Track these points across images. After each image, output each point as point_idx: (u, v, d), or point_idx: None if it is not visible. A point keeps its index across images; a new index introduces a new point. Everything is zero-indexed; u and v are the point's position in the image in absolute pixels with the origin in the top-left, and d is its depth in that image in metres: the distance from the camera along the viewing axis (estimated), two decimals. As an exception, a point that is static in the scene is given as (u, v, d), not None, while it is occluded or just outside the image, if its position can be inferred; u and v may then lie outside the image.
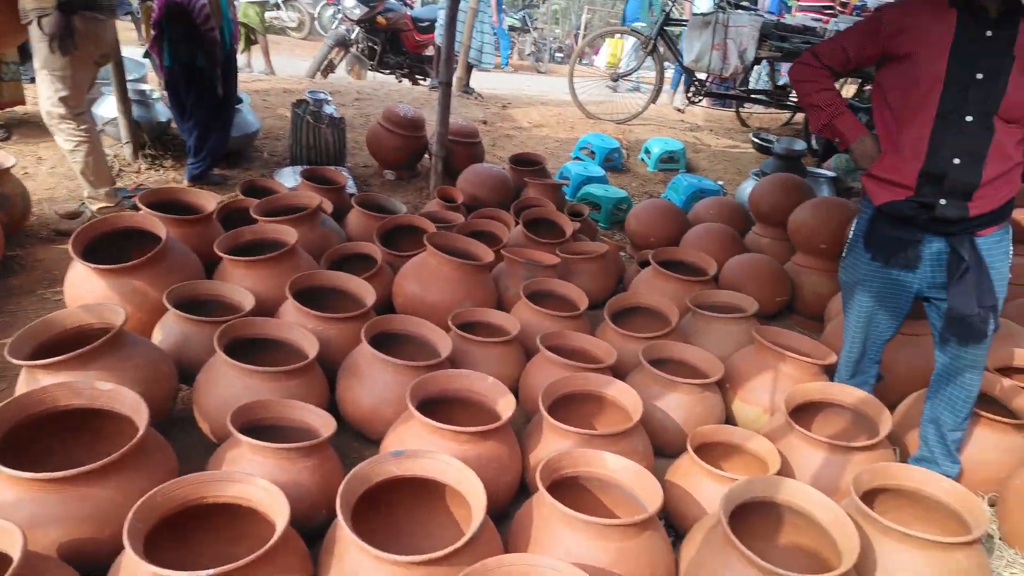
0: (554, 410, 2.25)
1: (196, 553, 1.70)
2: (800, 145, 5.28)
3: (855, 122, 2.26)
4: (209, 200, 3.13)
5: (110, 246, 2.68)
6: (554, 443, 2.10)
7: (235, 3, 4.02)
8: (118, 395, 1.86)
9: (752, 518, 1.99)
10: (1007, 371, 2.72)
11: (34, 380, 1.99)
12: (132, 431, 1.77)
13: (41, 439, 1.90)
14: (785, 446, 2.28)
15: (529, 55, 14.00)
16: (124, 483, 1.67)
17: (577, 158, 5.80)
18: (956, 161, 2.04)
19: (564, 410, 2.35)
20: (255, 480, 1.63)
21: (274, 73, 7.66)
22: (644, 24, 8.70)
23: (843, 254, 2.44)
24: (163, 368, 2.20)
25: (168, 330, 2.44)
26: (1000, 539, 2.30)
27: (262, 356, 2.37)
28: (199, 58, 3.75)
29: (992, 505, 2.40)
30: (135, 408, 1.82)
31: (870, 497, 2.07)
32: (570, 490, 1.95)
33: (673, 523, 2.20)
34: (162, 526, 1.55)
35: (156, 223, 2.69)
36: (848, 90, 7.96)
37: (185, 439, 2.29)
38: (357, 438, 2.43)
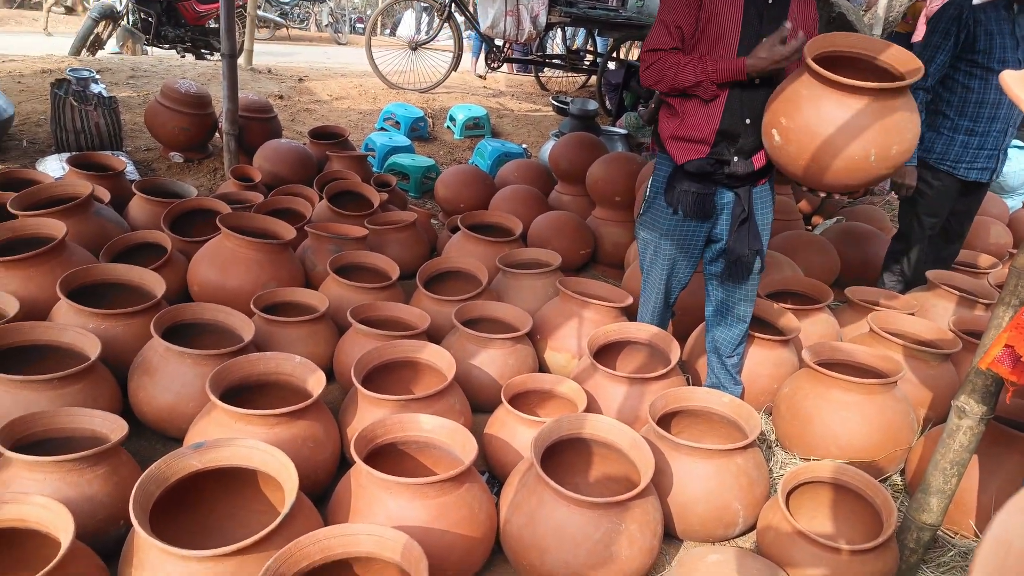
0: (369, 381, 2.24)
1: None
2: (593, 105, 5.61)
3: (728, 63, 2.12)
4: (-52, 199, 2.70)
5: None
6: (370, 413, 2.10)
7: None
8: None
9: (565, 454, 2.15)
10: (775, 295, 3.14)
11: None
12: None
13: None
14: (592, 385, 2.46)
15: (327, 26, 13.41)
16: None
17: (382, 129, 5.71)
18: (747, 121, 2.20)
19: (381, 380, 2.36)
20: (31, 499, 1.47)
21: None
22: None
23: (641, 211, 2.51)
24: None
25: (-90, 350, 2.09)
26: (776, 442, 2.68)
27: (37, 364, 2.12)
28: None
29: (769, 413, 2.77)
30: None
31: (667, 420, 2.31)
32: (389, 457, 1.97)
33: (496, 474, 2.30)
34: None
35: None
36: (635, 51, 8.55)
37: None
38: (160, 440, 2.27)
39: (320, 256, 3.15)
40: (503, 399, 2.26)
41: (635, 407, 2.40)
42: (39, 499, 1.47)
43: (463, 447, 1.90)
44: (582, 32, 8.90)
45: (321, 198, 3.67)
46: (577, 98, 6.78)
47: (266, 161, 4.01)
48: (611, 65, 7.38)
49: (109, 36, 7.07)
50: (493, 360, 2.59)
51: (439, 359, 2.35)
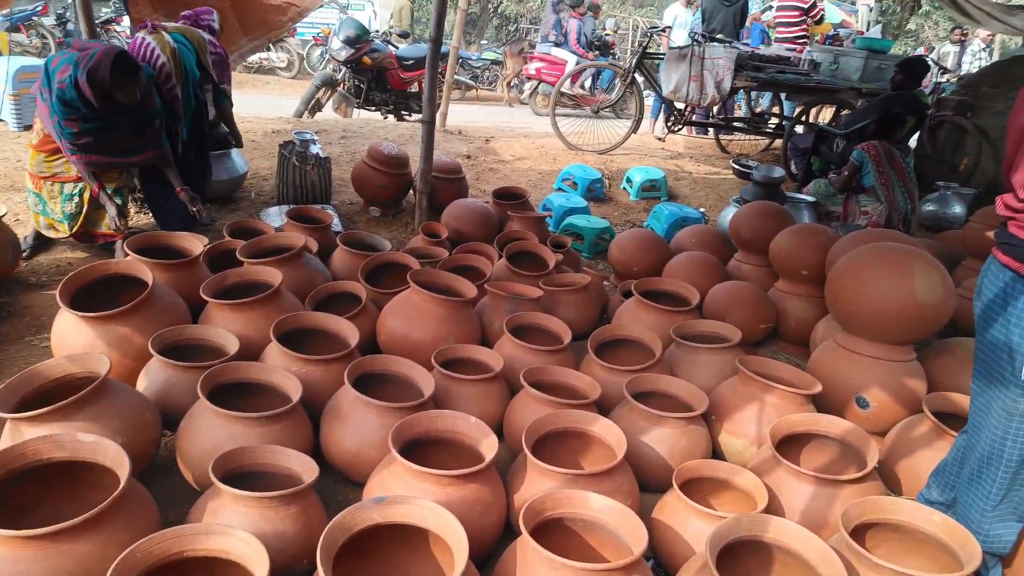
0: (538, 448, 2.24)
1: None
2: (779, 172, 5.36)
3: None
4: (195, 244, 3.14)
5: (99, 292, 2.68)
6: (538, 483, 2.09)
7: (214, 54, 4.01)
8: (100, 447, 1.84)
9: (742, 556, 1.98)
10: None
11: (18, 433, 1.99)
12: (114, 483, 1.75)
13: (25, 493, 1.89)
14: (773, 480, 2.28)
15: (512, 87, 14.16)
16: (105, 538, 1.64)
17: (560, 189, 5.86)
18: None
19: (549, 447, 2.35)
20: (235, 532, 1.61)
21: None
22: None
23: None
24: (146, 416, 2.19)
25: (153, 376, 2.44)
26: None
27: (247, 400, 2.36)
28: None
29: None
30: (117, 460, 1.81)
31: (860, 532, 2.06)
32: (555, 532, 1.93)
33: (662, 562, 2.19)
34: (142, 583, 1.53)
35: (142, 268, 2.70)
36: (825, 114, 8.12)
37: (169, 485, 2.28)
38: (342, 482, 2.41)
39: (497, 314, 3.25)
40: (674, 484, 2.15)
41: (823, 512, 2.18)
42: (241, 534, 1.61)
43: (632, 534, 1.83)
44: (768, 94, 8.63)
45: (501, 257, 3.81)
46: (761, 164, 6.52)
47: (452, 219, 4.25)
48: (799, 129, 7.05)
49: (327, 100, 8.00)
50: (664, 439, 2.49)
51: (610, 434, 2.30)
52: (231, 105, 4.39)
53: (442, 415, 2.22)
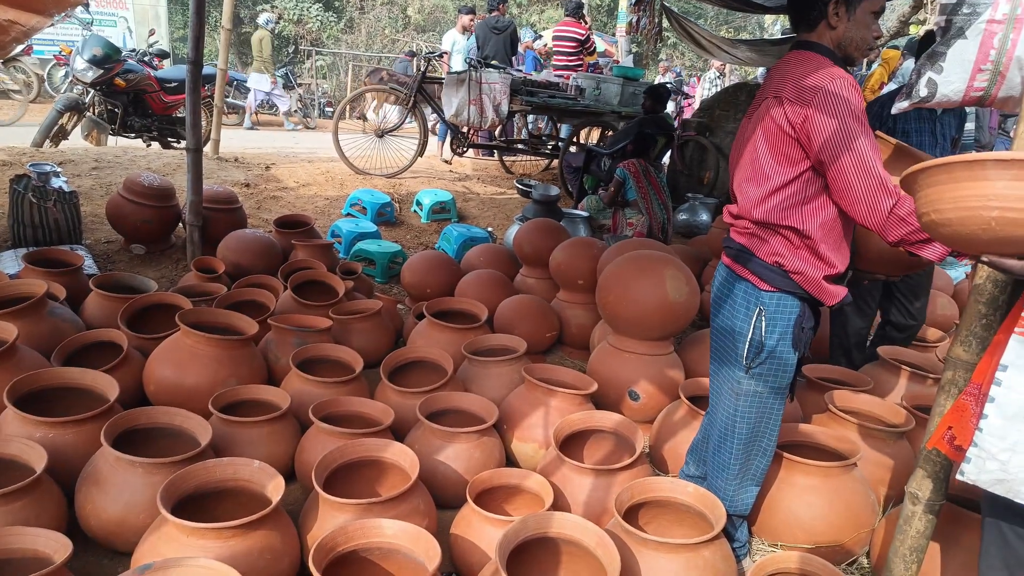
0: (332, 483, 2.18)
1: None
2: (555, 191, 5.77)
3: None
4: None
5: None
6: (331, 519, 2.03)
7: None
8: None
9: (533, 554, 2.09)
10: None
11: None
12: None
13: None
14: (558, 478, 2.43)
15: (296, 111, 13.69)
16: None
17: (349, 215, 5.77)
18: None
19: (344, 480, 2.30)
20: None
21: None
22: None
23: (754, 362, 2.12)
24: None
25: None
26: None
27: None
28: None
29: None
30: None
31: (634, 512, 2.28)
32: (351, 566, 1.89)
33: (464, 575, 2.23)
34: None
35: None
36: (594, 135, 8.89)
37: None
38: (109, 555, 2.15)
39: (283, 349, 3.11)
40: (468, 497, 2.21)
41: (603, 499, 2.37)
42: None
43: (426, 553, 1.84)
44: (546, 116, 9.25)
45: (286, 288, 3.66)
46: (539, 183, 6.96)
47: (230, 252, 4.00)
48: (572, 149, 7.64)
49: (74, 127, 7.11)
50: (459, 455, 2.54)
51: (403, 458, 2.31)
52: None
53: (220, 463, 2.08)
